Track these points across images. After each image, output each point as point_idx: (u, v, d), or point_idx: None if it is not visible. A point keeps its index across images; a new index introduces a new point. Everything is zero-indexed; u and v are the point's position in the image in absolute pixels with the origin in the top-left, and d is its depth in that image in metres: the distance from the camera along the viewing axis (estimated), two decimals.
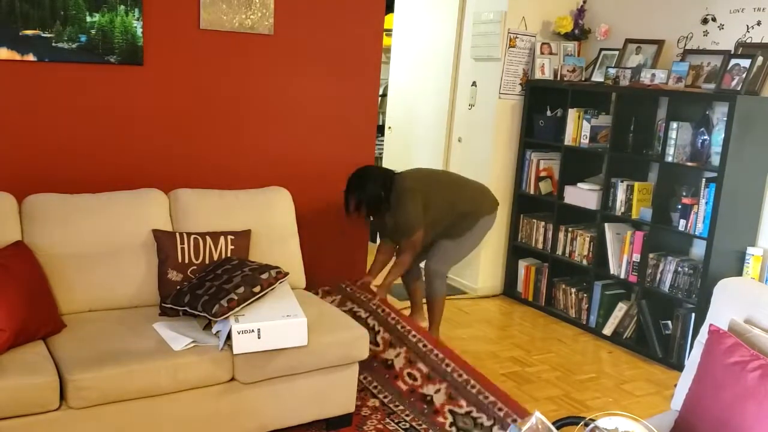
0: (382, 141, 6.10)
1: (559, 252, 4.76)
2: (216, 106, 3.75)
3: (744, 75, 3.81)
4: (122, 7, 3.38)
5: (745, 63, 3.82)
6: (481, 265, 5.09)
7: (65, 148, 3.40)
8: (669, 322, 4.14)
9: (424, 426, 3.11)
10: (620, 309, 4.39)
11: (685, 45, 4.29)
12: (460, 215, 3.87)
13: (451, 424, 3.06)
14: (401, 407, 3.25)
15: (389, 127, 6.05)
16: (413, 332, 3.41)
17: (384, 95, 6.23)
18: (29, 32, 3.20)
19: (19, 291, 2.54)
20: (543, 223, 4.89)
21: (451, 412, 3.10)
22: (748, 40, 3.97)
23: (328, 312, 3.11)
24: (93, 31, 3.34)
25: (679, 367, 3.92)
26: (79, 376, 2.41)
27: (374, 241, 6.04)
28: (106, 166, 3.50)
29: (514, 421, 2.86)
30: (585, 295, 4.59)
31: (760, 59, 3.83)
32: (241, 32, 3.73)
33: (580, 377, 3.86)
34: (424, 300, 4.15)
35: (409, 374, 3.31)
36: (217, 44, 3.68)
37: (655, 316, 4.16)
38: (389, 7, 5.44)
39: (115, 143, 3.52)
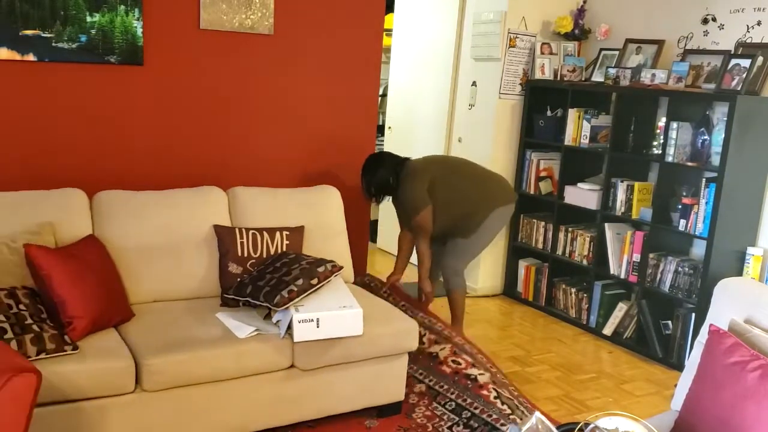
0: (382, 141, 6.10)
1: (559, 252, 4.76)
2: (216, 106, 3.75)
3: (744, 75, 3.81)
4: (122, 7, 3.38)
5: (746, 63, 3.82)
6: (481, 265, 5.09)
7: (65, 148, 3.40)
8: (669, 322, 4.14)
9: (469, 401, 3.20)
10: (620, 309, 4.39)
11: (686, 45, 4.29)
12: (472, 203, 3.87)
13: (496, 398, 3.16)
14: (446, 386, 3.34)
15: (389, 127, 6.05)
16: (459, 338, 3.59)
17: (384, 95, 6.23)
18: (29, 32, 3.20)
19: (94, 281, 2.72)
20: (543, 223, 4.89)
21: (495, 389, 3.21)
22: (749, 40, 3.97)
23: (379, 304, 3.28)
24: (93, 31, 3.34)
25: (679, 367, 3.92)
26: (153, 360, 2.57)
27: (374, 241, 6.06)
28: (106, 166, 3.50)
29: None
30: (585, 295, 4.59)
31: (760, 59, 3.83)
32: (241, 32, 3.73)
33: (580, 377, 3.86)
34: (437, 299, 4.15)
35: (453, 360, 3.43)
36: (217, 44, 3.68)
37: (655, 316, 4.16)
38: (389, 7, 5.44)
39: (114, 143, 3.52)
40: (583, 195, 4.57)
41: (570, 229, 4.70)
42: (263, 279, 2.96)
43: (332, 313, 2.80)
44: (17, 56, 3.19)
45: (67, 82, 3.34)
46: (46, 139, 3.35)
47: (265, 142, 3.92)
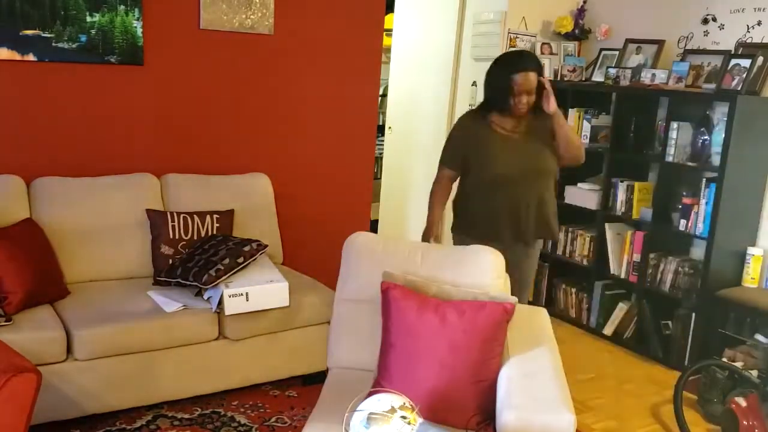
0: (382, 141, 6.09)
1: (560, 252, 4.76)
2: (216, 106, 3.76)
3: (744, 75, 3.81)
4: (122, 7, 3.38)
5: (746, 63, 3.82)
6: None
7: (65, 148, 3.40)
8: (669, 322, 4.13)
9: None
10: (620, 309, 4.39)
11: (686, 45, 4.29)
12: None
13: None
14: None
15: (389, 127, 6.05)
16: None
17: (384, 95, 6.22)
18: (29, 32, 3.20)
19: (28, 260, 2.86)
20: None
21: None
22: (749, 40, 3.97)
23: (303, 279, 3.50)
24: (93, 31, 3.34)
25: (680, 367, 3.91)
26: (83, 331, 2.75)
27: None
28: (106, 165, 3.50)
29: None
30: (585, 295, 4.59)
31: (760, 59, 3.83)
32: (241, 32, 3.73)
33: (581, 377, 3.85)
34: None
35: None
36: (217, 44, 3.68)
37: (655, 316, 4.16)
38: (389, 7, 5.43)
39: (114, 143, 3.52)
40: (583, 195, 4.57)
41: (570, 229, 4.70)
42: (192, 260, 3.12)
43: (260, 287, 3.02)
44: (17, 56, 3.19)
45: (67, 82, 3.34)
46: (45, 140, 3.35)
47: (265, 141, 3.92)
